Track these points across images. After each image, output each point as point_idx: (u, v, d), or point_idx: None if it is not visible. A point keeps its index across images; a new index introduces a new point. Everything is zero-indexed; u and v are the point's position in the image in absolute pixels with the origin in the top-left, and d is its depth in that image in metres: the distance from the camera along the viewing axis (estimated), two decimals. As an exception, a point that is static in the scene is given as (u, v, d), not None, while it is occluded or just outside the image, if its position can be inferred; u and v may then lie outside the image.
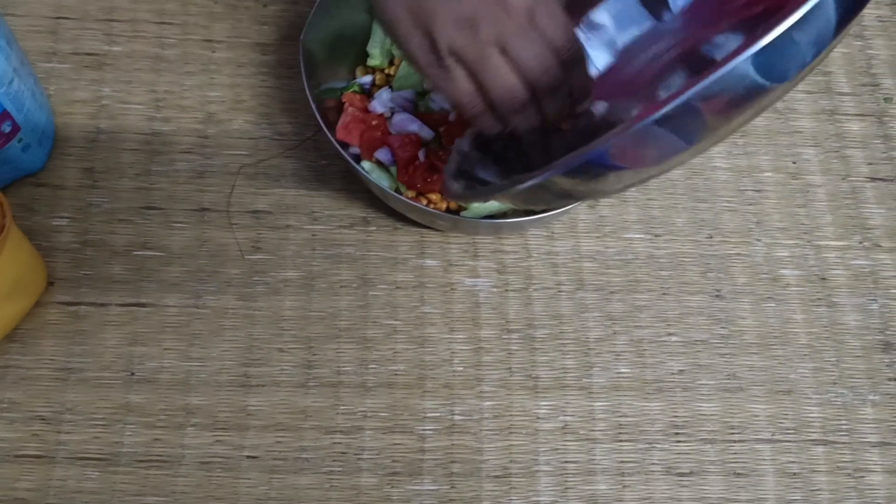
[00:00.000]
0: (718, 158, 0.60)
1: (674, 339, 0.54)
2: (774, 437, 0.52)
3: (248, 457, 0.48)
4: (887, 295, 0.56)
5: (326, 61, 0.52)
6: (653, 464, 0.50)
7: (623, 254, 0.56)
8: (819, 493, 0.50)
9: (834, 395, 0.53)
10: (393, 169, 0.51)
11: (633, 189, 0.57)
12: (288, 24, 0.61)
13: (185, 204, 0.54)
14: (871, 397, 0.53)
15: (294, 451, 0.49)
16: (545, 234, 0.56)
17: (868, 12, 0.66)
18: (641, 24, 0.46)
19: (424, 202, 0.51)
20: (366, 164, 0.51)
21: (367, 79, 0.55)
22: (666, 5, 0.45)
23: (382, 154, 0.51)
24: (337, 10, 0.52)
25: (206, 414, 0.49)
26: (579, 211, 0.57)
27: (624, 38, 0.46)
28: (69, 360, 0.50)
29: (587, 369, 0.52)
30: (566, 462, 0.50)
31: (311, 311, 0.52)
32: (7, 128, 0.48)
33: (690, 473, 0.50)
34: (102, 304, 0.51)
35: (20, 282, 0.48)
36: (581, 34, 0.45)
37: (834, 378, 0.54)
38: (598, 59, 0.47)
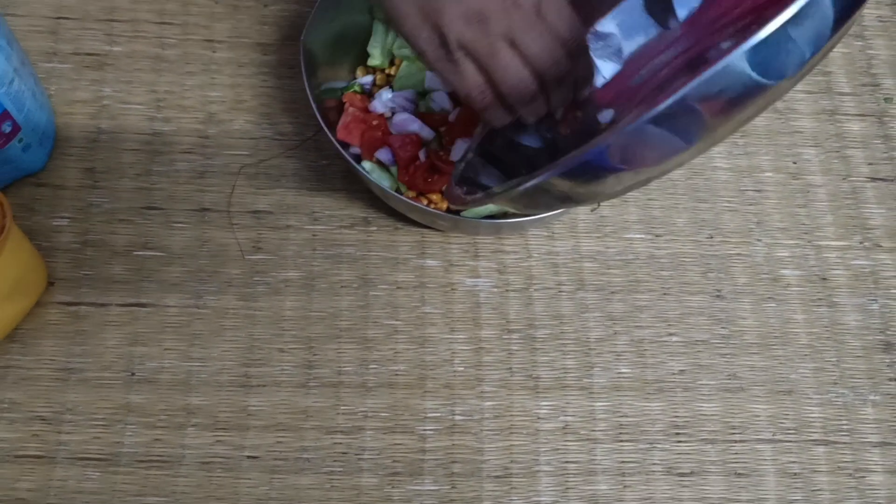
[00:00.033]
0: (719, 158, 0.60)
1: (674, 339, 0.54)
2: (775, 437, 0.52)
3: (248, 457, 0.48)
4: (888, 295, 0.56)
5: (327, 61, 0.52)
6: (653, 464, 0.50)
7: (624, 254, 0.56)
8: (820, 493, 0.50)
9: (835, 395, 0.53)
10: (393, 169, 0.51)
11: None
12: (289, 24, 0.61)
13: (185, 204, 0.54)
14: (871, 397, 0.53)
15: (295, 452, 0.49)
16: (546, 234, 0.56)
17: (868, 12, 0.66)
18: (648, 32, 0.46)
19: (425, 202, 0.51)
20: (366, 165, 0.51)
21: (368, 79, 0.55)
22: (672, 13, 0.45)
23: (383, 154, 0.51)
24: (338, 11, 0.52)
25: (207, 414, 0.49)
26: (580, 211, 0.57)
27: (630, 47, 0.46)
28: (69, 361, 0.50)
29: (588, 369, 0.52)
30: (567, 462, 0.50)
31: (312, 311, 0.52)
32: (7, 128, 0.48)
33: (691, 473, 0.50)
34: (103, 305, 0.51)
35: (20, 282, 0.48)
36: (589, 43, 0.46)
37: (835, 378, 0.54)
38: (605, 68, 0.47)
